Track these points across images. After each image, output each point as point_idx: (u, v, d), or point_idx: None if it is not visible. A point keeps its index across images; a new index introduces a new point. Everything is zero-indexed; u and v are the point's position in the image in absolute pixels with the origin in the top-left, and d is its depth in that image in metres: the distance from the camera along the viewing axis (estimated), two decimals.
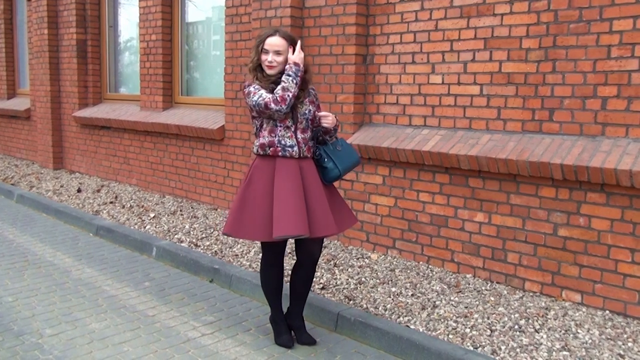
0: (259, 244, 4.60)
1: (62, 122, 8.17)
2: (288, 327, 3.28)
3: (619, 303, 3.41)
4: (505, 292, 3.77)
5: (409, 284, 3.89)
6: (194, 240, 4.89)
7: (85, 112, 7.65)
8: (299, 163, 3.04)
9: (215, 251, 4.61)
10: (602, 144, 3.45)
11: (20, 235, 5.38)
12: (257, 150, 3.06)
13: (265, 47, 3.02)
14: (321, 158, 3.14)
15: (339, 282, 3.94)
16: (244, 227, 3.00)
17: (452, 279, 3.99)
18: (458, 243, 4.11)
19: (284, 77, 2.95)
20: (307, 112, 3.09)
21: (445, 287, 3.85)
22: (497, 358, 2.90)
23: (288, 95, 2.92)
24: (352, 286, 3.87)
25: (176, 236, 5.03)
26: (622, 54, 3.39)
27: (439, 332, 3.18)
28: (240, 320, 3.57)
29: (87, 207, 6.10)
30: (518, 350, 2.96)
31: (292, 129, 3.04)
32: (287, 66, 2.98)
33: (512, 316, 3.37)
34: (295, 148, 3.02)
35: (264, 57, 3.03)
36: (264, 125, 3.05)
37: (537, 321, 3.30)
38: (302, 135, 3.07)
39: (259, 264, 4.14)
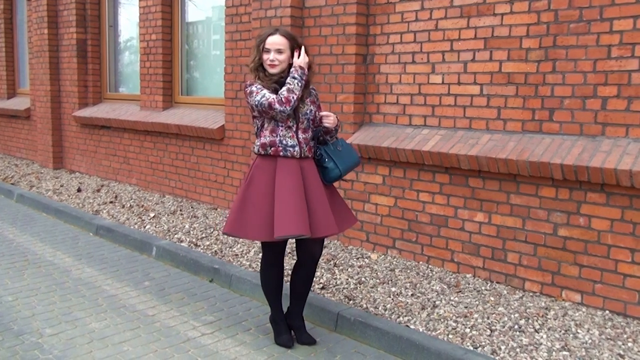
0: (259, 243, 4.60)
1: (62, 121, 8.17)
2: (288, 326, 3.28)
3: (618, 303, 3.41)
4: (505, 292, 3.77)
5: (408, 284, 3.90)
6: (193, 240, 4.89)
7: (85, 112, 7.65)
8: (299, 163, 3.04)
9: (215, 251, 4.61)
10: (602, 144, 3.45)
11: (20, 234, 5.38)
12: (258, 150, 3.06)
13: (267, 46, 3.02)
14: (322, 158, 3.14)
15: (338, 282, 3.94)
16: (245, 227, 3.00)
17: (452, 279, 3.99)
18: (458, 243, 4.11)
19: (289, 79, 2.96)
20: (308, 112, 3.09)
21: (445, 287, 3.85)
22: (497, 358, 2.90)
23: (293, 97, 2.92)
24: (352, 286, 3.88)
25: (176, 236, 5.03)
26: (622, 54, 3.39)
27: (438, 332, 3.18)
28: (240, 320, 3.57)
29: (87, 207, 6.10)
30: (518, 350, 2.96)
31: (294, 129, 3.04)
32: (293, 69, 2.99)
33: (512, 316, 3.37)
34: (297, 148, 3.02)
35: (265, 56, 3.03)
36: (265, 125, 3.05)
37: (537, 321, 3.30)
38: (304, 135, 3.07)
39: (259, 263, 4.14)
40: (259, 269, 4.10)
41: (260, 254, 4.43)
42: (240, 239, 4.80)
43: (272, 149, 3.01)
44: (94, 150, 7.68)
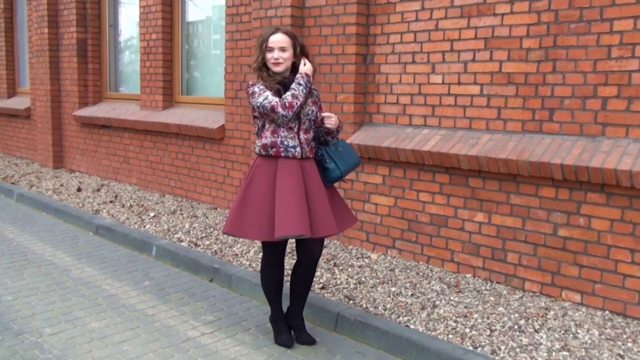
0: (258, 243, 4.60)
1: (62, 121, 8.17)
2: (288, 326, 3.28)
3: (618, 303, 3.41)
4: (505, 292, 3.77)
5: (408, 284, 3.90)
6: (193, 240, 4.89)
7: (85, 111, 7.65)
8: (300, 163, 3.03)
9: (215, 250, 4.61)
10: (602, 144, 3.45)
11: (20, 234, 5.38)
12: (259, 151, 3.06)
13: (270, 44, 3.01)
14: (323, 159, 3.13)
15: (338, 282, 3.94)
16: (245, 227, 3.00)
17: (452, 279, 3.99)
18: (458, 243, 4.11)
19: (294, 85, 2.96)
20: (310, 112, 3.08)
21: (445, 287, 3.85)
22: (496, 358, 2.90)
23: (296, 103, 2.92)
24: (352, 286, 3.88)
25: (176, 235, 5.03)
26: (622, 54, 3.39)
27: (438, 332, 3.18)
28: (240, 320, 3.57)
29: (87, 206, 6.10)
30: (518, 350, 2.96)
31: (295, 130, 3.03)
32: (299, 75, 2.99)
33: (512, 316, 3.37)
34: (298, 149, 3.02)
35: (269, 55, 3.02)
36: (267, 126, 3.05)
37: (536, 321, 3.30)
38: (305, 136, 3.07)
39: (259, 263, 4.14)
40: (259, 268, 4.10)
41: (260, 254, 4.43)
42: (240, 239, 4.80)
43: (274, 149, 3.01)
44: (94, 150, 7.68)
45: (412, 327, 3.25)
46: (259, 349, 3.19)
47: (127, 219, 5.58)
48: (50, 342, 3.19)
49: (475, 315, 3.37)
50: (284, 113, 2.91)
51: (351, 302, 3.62)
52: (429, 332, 3.19)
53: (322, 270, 4.15)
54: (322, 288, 3.84)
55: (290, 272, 3.46)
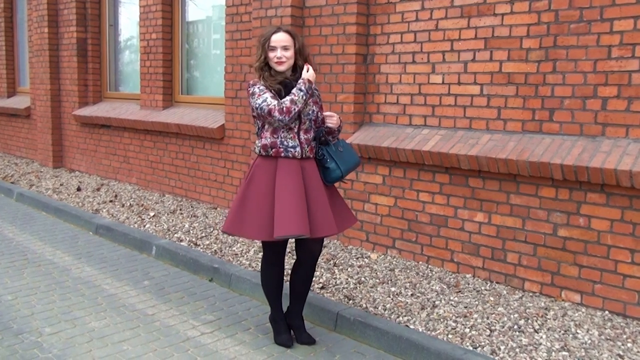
0: (258, 243, 4.60)
1: (62, 120, 8.16)
2: (288, 326, 3.28)
3: (618, 303, 3.41)
4: (505, 292, 3.77)
5: (408, 284, 3.89)
6: (193, 239, 4.89)
7: (85, 111, 7.65)
8: (300, 163, 3.03)
9: (215, 250, 4.61)
10: (602, 144, 3.45)
11: (20, 233, 5.38)
12: (259, 151, 3.06)
13: (272, 43, 3.01)
14: (324, 158, 3.13)
15: (338, 282, 3.94)
16: (244, 226, 3.00)
17: (452, 279, 3.99)
18: (458, 243, 4.11)
19: (295, 90, 2.95)
20: (310, 112, 3.08)
21: (444, 287, 3.85)
22: (496, 358, 2.90)
23: (294, 109, 2.92)
24: (352, 286, 3.87)
25: (176, 235, 5.03)
26: (622, 54, 3.39)
27: (438, 332, 3.18)
28: (240, 320, 3.57)
29: (86, 206, 6.10)
30: (517, 350, 2.96)
31: (295, 130, 3.03)
32: (301, 81, 2.98)
33: (512, 316, 3.37)
34: (298, 149, 3.02)
35: (272, 54, 3.02)
36: (266, 126, 3.05)
37: (536, 321, 3.30)
38: (305, 136, 3.06)
39: (259, 263, 4.15)
40: (258, 268, 4.10)
41: (260, 253, 4.43)
42: (240, 238, 4.81)
43: (274, 150, 3.01)
44: (94, 149, 7.68)
45: (411, 327, 3.25)
46: (259, 348, 3.19)
47: (127, 219, 5.58)
48: (50, 342, 3.19)
49: (475, 315, 3.37)
50: (280, 118, 2.90)
51: (351, 302, 3.62)
52: (428, 332, 3.19)
53: (322, 270, 4.15)
54: (322, 288, 3.84)
55: (290, 271, 3.46)
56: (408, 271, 4.15)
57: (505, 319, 3.33)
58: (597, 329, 3.21)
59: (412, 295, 3.70)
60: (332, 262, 4.35)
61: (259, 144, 3.06)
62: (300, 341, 3.23)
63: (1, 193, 7.15)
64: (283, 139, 3.01)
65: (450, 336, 3.13)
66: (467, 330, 3.19)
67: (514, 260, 3.83)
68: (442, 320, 3.32)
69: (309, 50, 3.21)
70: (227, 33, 5.69)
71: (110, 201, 6.28)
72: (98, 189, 6.84)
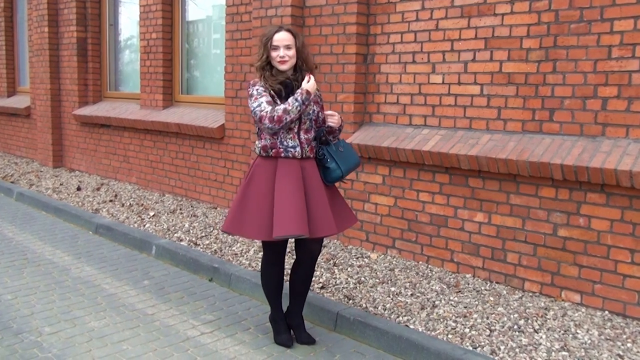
0: (258, 242, 4.60)
1: (62, 120, 8.16)
2: (287, 326, 3.28)
3: (618, 303, 3.41)
4: (505, 292, 3.77)
5: (408, 284, 3.89)
6: (193, 239, 4.89)
7: (85, 111, 7.65)
8: (300, 163, 3.03)
9: (215, 250, 4.61)
10: (603, 144, 3.45)
11: (20, 233, 5.38)
12: (260, 152, 3.06)
13: (275, 43, 3.00)
14: (324, 158, 3.13)
15: (338, 282, 3.94)
16: (244, 225, 3.00)
17: (452, 279, 3.99)
18: (458, 243, 4.11)
19: (291, 100, 2.93)
20: (311, 112, 3.08)
21: (444, 287, 3.85)
22: (496, 358, 2.90)
23: (286, 119, 2.90)
24: (352, 286, 3.87)
25: (176, 235, 5.03)
26: (622, 55, 3.39)
27: (438, 331, 3.18)
28: (240, 319, 3.57)
29: (86, 206, 6.10)
30: (517, 350, 2.96)
31: (295, 130, 3.03)
32: (299, 91, 2.95)
33: (512, 316, 3.37)
34: (298, 149, 3.02)
35: (274, 53, 3.01)
36: None
37: (536, 321, 3.29)
38: (305, 136, 3.06)
39: (259, 262, 4.15)
40: (258, 268, 4.10)
41: (260, 253, 4.43)
42: (240, 238, 4.81)
43: (273, 150, 3.01)
44: (94, 149, 7.68)
45: (411, 327, 3.25)
46: (259, 348, 3.19)
47: (127, 218, 5.58)
48: (49, 341, 3.18)
49: (475, 315, 3.37)
50: (270, 126, 2.90)
51: (351, 301, 3.62)
52: (428, 332, 3.19)
53: (322, 270, 4.15)
54: (322, 288, 3.84)
55: (289, 271, 3.46)
56: (408, 271, 4.15)
57: (505, 319, 3.33)
58: (597, 329, 3.21)
59: (412, 295, 3.70)
60: (332, 261, 4.35)
61: (259, 145, 3.06)
62: (300, 341, 3.23)
63: (1, 192, 7.15)
64: (283, 139, 3.01)
65: (450, 336, 3.13)
66: (467, 330, 3.19)
67: (514, 260, 3.83)
68: (442, 320, 3.32)
69: (309, 49, 3.20)
70: (227, 33, 5.69)
71: (110, 201, 6.28)
72: (98, 189, 6.84)
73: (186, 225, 5.29)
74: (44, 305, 3.69)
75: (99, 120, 7.36)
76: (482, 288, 3.82)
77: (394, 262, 4.33)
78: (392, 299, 3.64)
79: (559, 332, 3.17)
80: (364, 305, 3.56)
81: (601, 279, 3.47)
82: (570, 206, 3.56)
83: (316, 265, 4.02)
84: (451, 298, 3.64)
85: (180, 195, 6.43)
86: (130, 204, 6.15)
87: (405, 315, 3.40)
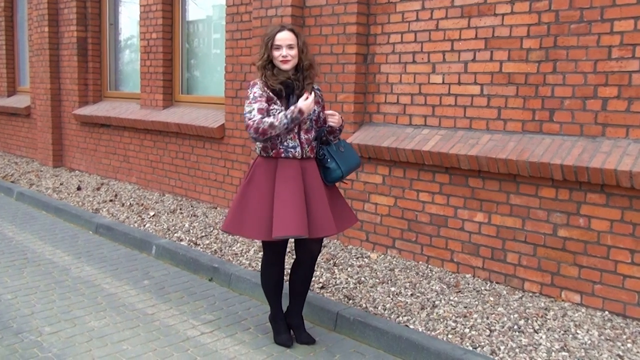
0: (258, 242, 4.60)
1: (62, 119, 8.16)
2: (287, 326, 3.28)
3: (618, 304, 3.41)
4: (505, 292, 3.77)
5: (408, 284, 3.89)
6: (193, 239, 4.89)
7: (86, 110, 7.65)
8: (301, 164, 3.03)
9: (215, 250, 4.61)
10: (603, 144, 3.45)
11: (20, 232, 5.38)
12: (260, 152, 3.07)
13: (277, 42, 3.00)
14: (324, 158, 3.12)
15: (338, 282, 3.94)
16: (243, 225, 3.00)
17: (452, 279, 3.99)
18: (458, 243, 4.11)
19: (281, 115, 2.91)
20: (312, 112, 3.08)
21: (444, 287, 3.85)
22: (496, 358, 2.90)
23: (270, 133, 2.91)
24: (352, 285, 3.87)
25: (176, 235, 5.03)
26: (622, 55, 3.39)
27: (438, 332, 3.18)
28: (240, 319, 3.57)
29: (86, 205, 6.10)
30: (517, 350, 2.96)
31: (295, 130, 3.03)
32: (293, 108, 2.91)
33: (512, 316, 3.37)
34: (298, 149, 3.02)
35: (276, 53, 3.01)
36: None
37: (536, 321, 3.30)
38: (306, 136, 3.06)
39: (259, 262, 4.15)
40: (258, 268, 4.10)
41: (260, 253, 4.43)
42: (240, 238, 4.81)
43: (274, 151, 3.01)
44: (94, 149, 7.68)
45: (411, 327, 3.25)
46: (259, 348, 3.19)
47: (127, 218, 5.58)
48: (49, 341, 3.19)
49: (475, 316, 3.37)
50: (254, 136, 2.93)
51: (351, 301, 3.62)
52: (428, 332, 3.19)
53: (322, 270, 4.15)
54: (322, 288, 3.84)
55: (289, 271, 3.46)
56: (408, 271, 4.15)
57: (505, 319, 3.33)
58: (597, 329, 3.21)
59: (411, 295, 3.70)
60: (332, 261, 4.35)
61: (260, 145, 3.06)
62: (300, 341, 3.23)
63: (1, 192, 7.15)
64: (283, 140, 3.01)
65: (450, 336, 3.13)
66: (467, 330, 3.19)
67: (514, 260, 3.83)
68: (441, 320, 3.32)
69: (310, 49, 3.20)
70: (227, 32, 5.69)
71: (110, 200, 6.28)
72: (98, 189, 6.84)
73: (186, 225, 5.29)
74: (44, 304, 3.69)
75: (99, 120, 7.36)
76: (482, 288, 3.82)
77: (394, 262, 4.34)
78: (392, 299, 3.64)
79: (559, 332, 3.17)
80: (364, 305, 3.56)
81: (601, 279, 3.47)
82: (570, 206, 3.56)
83: (316, 265, 4.02)
84: (451, 298, 3.64)
85: (180, 195, 6.43)
86: (130, 203, 6.15)
87: (405, 315, 3.40)
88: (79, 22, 7.63)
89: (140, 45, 6.78)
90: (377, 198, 4.57)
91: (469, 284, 3.90)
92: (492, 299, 3.64)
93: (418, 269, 4.20)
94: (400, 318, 3.37)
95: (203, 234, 5.02)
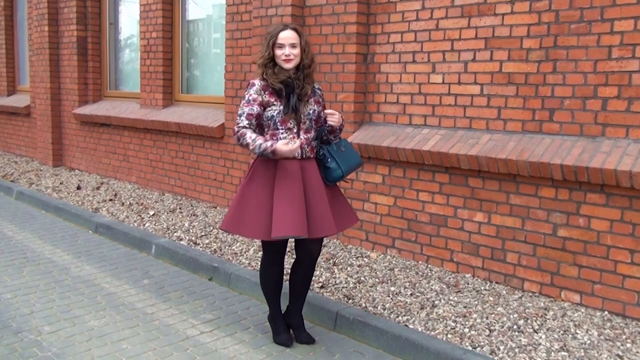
0: (258, 242, 4.60)
1: (62, 119, 8.16)
2: (287, 325, 3.28)
3: (618, 304, 3.41)
4: (504, 292, 3.77)
5: (408, 284, 3.89)
6: (193, 238, 4.89)
7: (85, 110, 7.65)
8: (300, 164, 3.03)
9: (215, 249, 4.61)
10: (602, 144, 3.45)
11: (20, 232, 5.38)
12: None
13: (280, 41, 2.99)
14: (324, 158, 3.12)
15: (338, 281, 3.94)
16: (242, 224, 3.00)
17: (451, 279, 3.99)
18: (457, 243, 4.11)
19: (258, 142, 2.90)
20: (311, 112, 3.07)
21: (444, 286, 3.85)
22: (495, 358, 2.90)
23: (241, 144, 2.99)
24: (351, 285, 3.87)
25: (175, 234, 5.03)
26: (622, 55, 3.39)
27: (437, 331, 3.18)
28: (239, 319, 3.57)
29: (86, 205, 6.10)
30: (517, 350, 2.96)
31: (295, 130, 3.03)
32: (270, 145, 2.88)
33: (511, 316, 3.37)
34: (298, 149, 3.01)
35: (279, 51, 3.00)
36: (265, 129, 3.06)
37: (536, 321, 3.30)
38: (305, 136, 3.06)
39: (259, 262, 4.15)
40: (258, 267, 4.09)
41: (260, 253, 4.43)
42: (240, 237, 4.80)
43: None
44: (94, 148, 7.67)
45: (411, 326, 3.25)
46: (258, 347, 3.19)
47: (127, 218, 5.58)
48: (49, 340, 3.18)
49: (475, 315, 3.37)
50: (234, 138, 3.04)
51: (350, 301, 3.62)
52: (428, 331, 3.19)
53: (322, 270, 4.15)
54: (322, 287, 3.84)
55: (289, 271, 3.45)
56: (407, 271, 4.15)
57: (505, 319, 3.33)
58: (597, 329, 3.21)
59: (411, 294, 3.70)
60: (331, 261, 4.35)
61: None
62: (300, 340, 3.23)
63: (1, 191, 7.15)
64: (282, 140, 3.00)
65: (449, 336, 3.13)
66: (467, 330, 3.19)
67: (514, 260, 3.83)
68: (441, 320, 3.32)
69: (311, 48, 3.19)
70: (227, 32, 5.69)
71: (110, 200, 6.28)
72: (98, 188, 6.84)
73: (186, 225, 5.29)
74: (44, 304, 3.69)
75: (99, 119, 7.36)
76: (482, 288, 3.82)
77: (393, 262, 4.34)
78: (391, 298, 3.64)
79: (559, 332, 3.17)
80: (364, 304, 3.56)
81: (601, 279, 3.47)
82: (570, 206, 3.56)
83: (316, 265, 4.02)
84: (451, 298, 3.64)
85: (179, 195, 6.42)
86: (130, 203, 6.15)
87: (404, 315, 3.40)
88: (79, 22, 7.63)
89: (140, 44, 6.78)
90: (376, 198, 4.57)
91: (468, 284, 3.90)
92: (491, 298, 3.64)
93: (418, 268, 4.20)
94: (400, 318, 3.37)
95: (203, 234, 5.02)
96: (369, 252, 4.57)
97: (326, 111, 3.14)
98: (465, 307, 3.50)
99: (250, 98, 3.01)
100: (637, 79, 3.35)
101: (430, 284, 3.90)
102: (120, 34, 7.77)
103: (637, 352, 2.96)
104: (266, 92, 3.03)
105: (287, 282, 3.34)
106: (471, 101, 4.05)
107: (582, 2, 3.52)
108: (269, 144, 2.89)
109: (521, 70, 3.79)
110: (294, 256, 3.26)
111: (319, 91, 3.18)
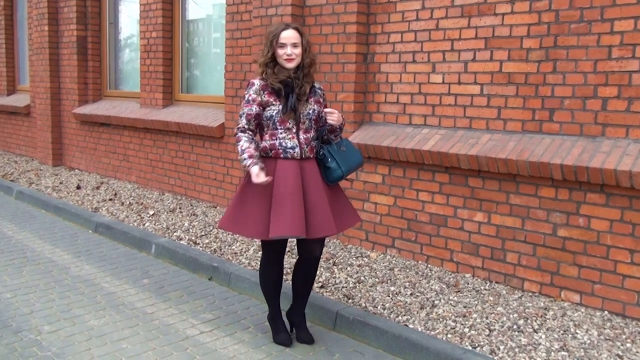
0: (258, 242, 4.60)
1: (62, 118, 8.16)
2: (289, 323, 3.28)
3: (617, 304, 3.41)
4: (504, 292, 3.77)
5: (407, 283, 3.89)
6: (193, 238, 4.89)
7: (85, 109, 7.65)
8: (300, 164, 3.02)
9: (215, 249, 4.61)
10: (602, 144, 3.45)
11: (19, 231, 5.38)
12: (260, 153, 3.06)
13: (282, 41, 2.99)
14: (325, 158, 3.11)
15: (338, 281, 3.94)
16: (241, 224, 3.00)
17: (451, 279, 3.99)
18: (457, 242, 4.11)
19: (246, 154, 2.92)
20: (310, 111, 3.07)
21: (444, 286, 3.85)
22: (495, 358, 2.90)
23: (236, 146, 3.02)
24: (351, 285, 3.87)
25: (175, 234, 5.03)
26: (622, 55, 3.39)
27: (437, 331, 3.18)
28: (239, 318, 3.57)
29: (86, 204, 6.10)
30: (517, 350, 2.97)
31: (294, 130, 3.03)
32: (250, 166, 2.89)
33: (511, 316, 3.37)
34: (297, 149, 3.01)
35: (281, 51, 3.00)
36: (265, 129, 3.05)
37: (535, 321, 3.30)
38: (305, 136, 3.05)
39: (258, 262, 4.15)
40: (258, 267, 4.10)
41: (260, 252, 4.43)
42: (240, 237, 4.80)
43: (273, 152, 3.01)
44: (94, 148, 7.67)
45: (411, 326, 3.25)
46: (258, 347, 3.19)
47: (127, 217, 5.58)
48: (49, 340, 3.18)
49: (474, 315, 3.37)
50: (234, 135, 3.07)
51: (350, 301, 3.62)
52: (427, 331, 3.19)
53: (322, 269, 4.15)
54: (321, 287, 3.84)
55: (290, 271, 3.46)
56: (407, 270, 4.15)
57: (505, 318, 3.33)
58: (597, 329, 3.21)
59: (411, 294, 3.70)
60: (331, 261, 4.35)
61: (260, 146, 3.06)
62: (300, 339, 3.23)
63: (1, 191, 7.15)
64: (282, 140, 3.00)
65: (449, 336, 3.13)
66: (467, 329, 3.19)
67: (514, 260, 3.83)
68: (441, 319, 3.32)
69: (312, 48, 3.19)
70: (227, 32, 5.69)
71: (110, 199, 6.28)
72: (98, 187, 6.84)
73: (186, 224, 5.29)
74: (44, 303, 3.69)
75: (99, 119, 7.36)
76: (482, 288, 3.82)
77: (393, 262, 4.34)
78: (391, 298, 3.64)
79: (559, 332, 3.17)
80: (364, 304, 3.56)
81: (601, 279, 3.47)
82: (570, 206, 3.56)
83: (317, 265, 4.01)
84: (450, 298, 3.64)
85: (179, 194, 6.42)
86: (129, 202, 6.15)
87: (404, 315, 3.40)
88: (79, 21, 7.63)
89: (140, 44, 6.78)
90: (376, 197, 4.57)
91: (468, 284, 3.90)
92: (491, 298, 3.64)
93: (417, 268, 4.20)
94: (400, 317, 3.37)
95: (202, 233, 5.02)
96: (368, 252, 4.57)
97: (325, 110, 3.13)
98: (465, 307, 3.50)
99: (250, 98, 3.02)
100: (637, 79, 3.35)
101: (430, 283, 3.90)
102: (120, 33, 7.77)
103: (637, 352, 2.96)
104: (265, 92, 3.03)
105: (288, 282, 3.34)
106: (471, 101, 4.05)
107: (582, 2, 3.52)
108: (248, 162, 2.91)
109: (521, 70, 3.79)
110: (295, 256, 3.25)
111: (319, 91, 3.17)
